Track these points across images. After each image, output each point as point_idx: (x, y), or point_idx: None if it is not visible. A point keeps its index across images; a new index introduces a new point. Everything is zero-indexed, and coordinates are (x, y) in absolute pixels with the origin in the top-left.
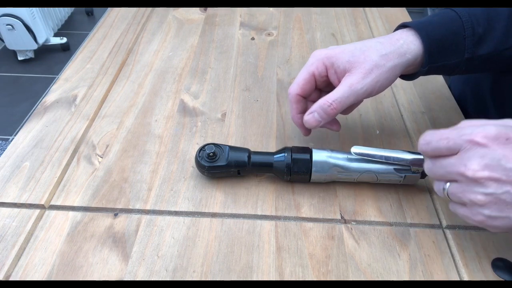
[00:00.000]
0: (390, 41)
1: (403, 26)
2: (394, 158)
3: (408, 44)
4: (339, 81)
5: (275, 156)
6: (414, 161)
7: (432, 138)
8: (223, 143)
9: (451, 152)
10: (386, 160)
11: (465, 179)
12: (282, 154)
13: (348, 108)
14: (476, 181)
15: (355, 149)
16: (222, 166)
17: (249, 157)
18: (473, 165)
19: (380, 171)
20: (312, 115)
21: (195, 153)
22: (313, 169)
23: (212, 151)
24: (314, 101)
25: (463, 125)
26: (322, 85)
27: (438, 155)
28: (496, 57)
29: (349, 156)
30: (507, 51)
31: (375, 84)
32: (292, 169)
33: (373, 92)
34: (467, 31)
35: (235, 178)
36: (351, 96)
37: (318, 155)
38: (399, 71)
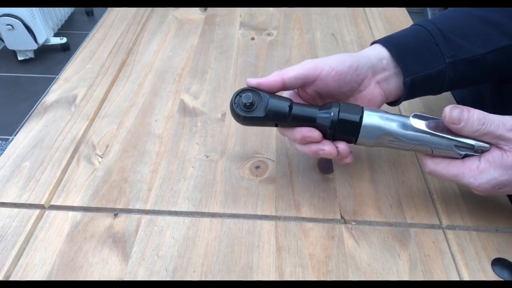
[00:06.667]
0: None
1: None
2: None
3: (369, 49)
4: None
5: (319, 112)
6: (480, 147)
7: None
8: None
9: None
10: (450, 137)
11: None
12: (328, 111)
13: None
14: None
15: (415, 121)
16: (259, 117)
17: (290, 108)
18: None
19: (438, 145)
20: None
21: (231, 98)
22: (361, 134)
23: (250, 101)
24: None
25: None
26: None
27: None
28: (481, 61)
29: (406, 122)
30: (490, 55)
31: (332, 58)
32: (336, 130)
33: (333, 67)
34: (436, 38)
35: (235, 178)
36: (301, 65)
37: (370, 118)
38: (358, 61)
